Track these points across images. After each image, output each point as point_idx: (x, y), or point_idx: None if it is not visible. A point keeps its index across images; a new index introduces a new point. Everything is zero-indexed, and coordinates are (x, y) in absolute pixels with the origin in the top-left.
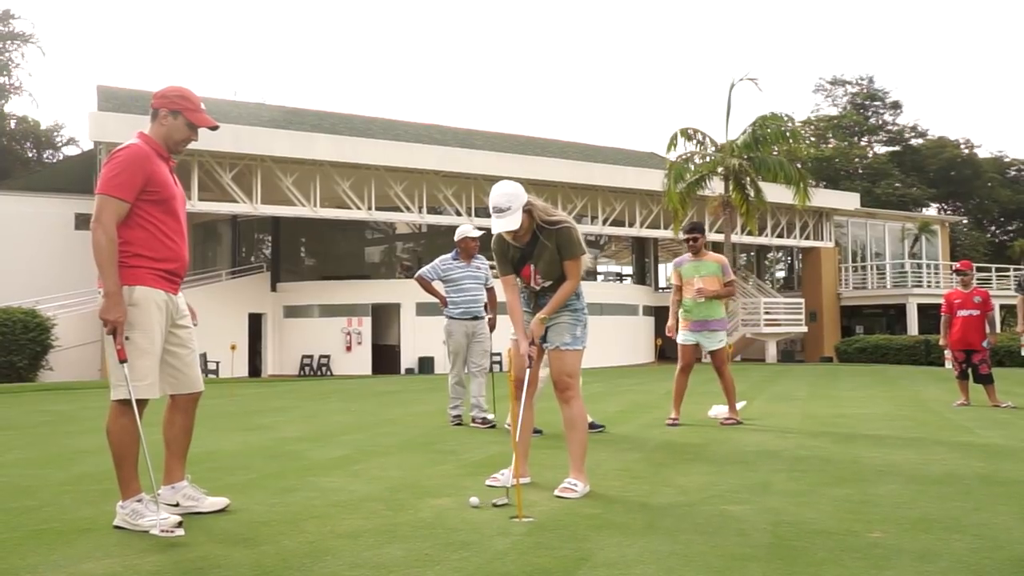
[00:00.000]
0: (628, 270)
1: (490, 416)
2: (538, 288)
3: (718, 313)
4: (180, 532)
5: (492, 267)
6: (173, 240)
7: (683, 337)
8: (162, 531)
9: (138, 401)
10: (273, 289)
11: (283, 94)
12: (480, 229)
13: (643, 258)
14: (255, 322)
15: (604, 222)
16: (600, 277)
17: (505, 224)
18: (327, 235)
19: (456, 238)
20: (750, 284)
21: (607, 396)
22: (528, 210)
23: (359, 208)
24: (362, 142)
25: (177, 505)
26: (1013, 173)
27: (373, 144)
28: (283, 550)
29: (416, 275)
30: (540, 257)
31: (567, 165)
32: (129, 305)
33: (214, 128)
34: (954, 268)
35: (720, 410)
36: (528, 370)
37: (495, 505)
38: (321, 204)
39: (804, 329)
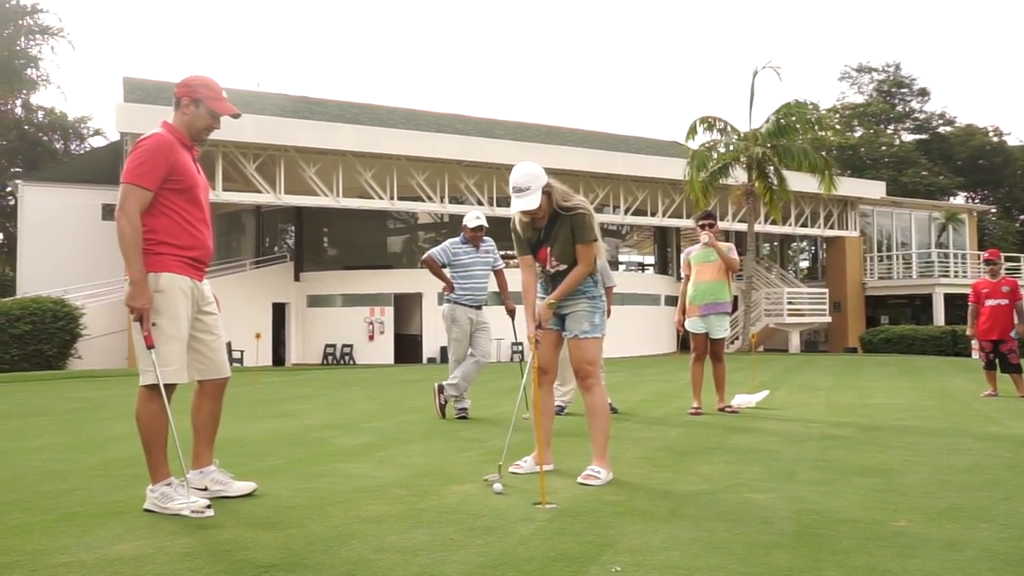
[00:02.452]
0: (650, 260)
1: (468, 405)
2: (552, 271)
3: (724, 295)
4: (210, 513)
5: (504, 254)
6: (197, 228)
7: (693, 326)
8: (192, 512)
9: (166, 386)
10: (296, 279)
11: (305, 84)
12: (479, 217)
13: (665, 247)
14: (279, 311)
15: (626, 211)
16: (622, 267)
17: (523, 204)
18: (350, 225)
19: (466, 223)
20: (773, 274)
21: (630, 385)
22: (547, 192)
23: (381, 198)
24: (384, 132)
25: (205, 489)
26: None
27: (395, 134)
28: (310, 534)
29: (425, 256)
30: (556, 240)
31: (588, 154)
32: (155, 292)
33: (236, 116)
34: (982, 257)
35: (744, 399)
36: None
37: (486, 480)
38: (344, 194)
39: (828, 319)
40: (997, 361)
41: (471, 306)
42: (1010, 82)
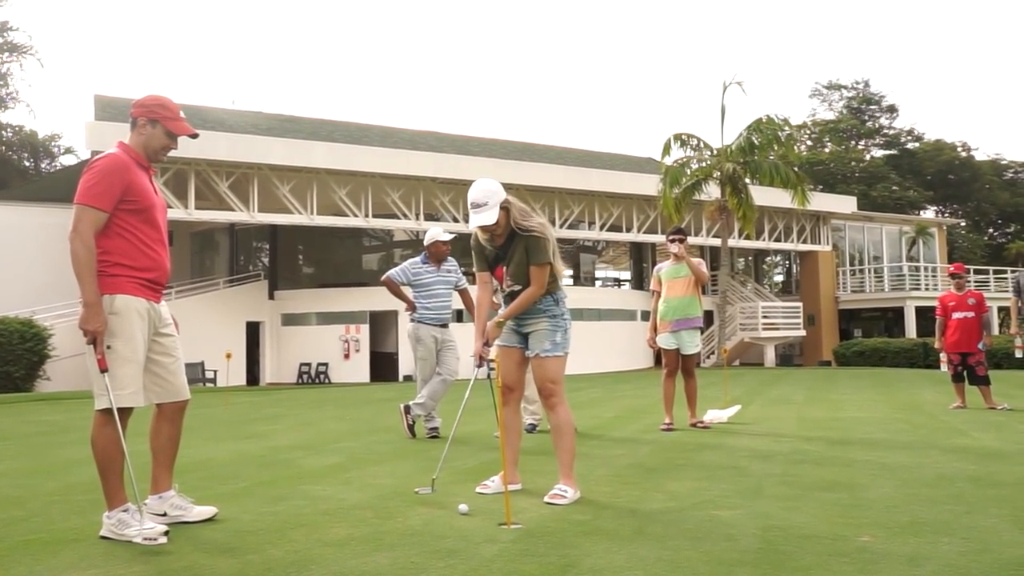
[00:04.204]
0: (626, 275)
1: (439, 423)
2: (506, 291)
3: (696, 311)
4: (163, 540)
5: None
6: (153, 249)
7: (665, 341)
8: (145, 539)
9: (121, 410)
10: (271, 297)
11: (280, 102)
12: (451, 233)
13: (641, 263)
14: (253, 330)
15: (601, 227)
16: (598, 282)
17: (481, 219)
18: (324, 243)
19: (426, 242)
20: (748, 288)
21: (604, 402)
22: (506, 208)
23: (356, 216)
24: (358, 149)
25: (165, 515)
26: (1010, 175)
27: (369, 151)
28: (268, 559)
29: (384, 277)
30: (511, 259)
31: (564, 171)
32: (110, 314)
33: (193, 136)
34: (948, 271)
35: (716, 415)
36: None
37: (417, 492)
38: (318, 212)
39: (802, 333)
40: (965, 373)
41: (435, 325)
42: (977, 98)
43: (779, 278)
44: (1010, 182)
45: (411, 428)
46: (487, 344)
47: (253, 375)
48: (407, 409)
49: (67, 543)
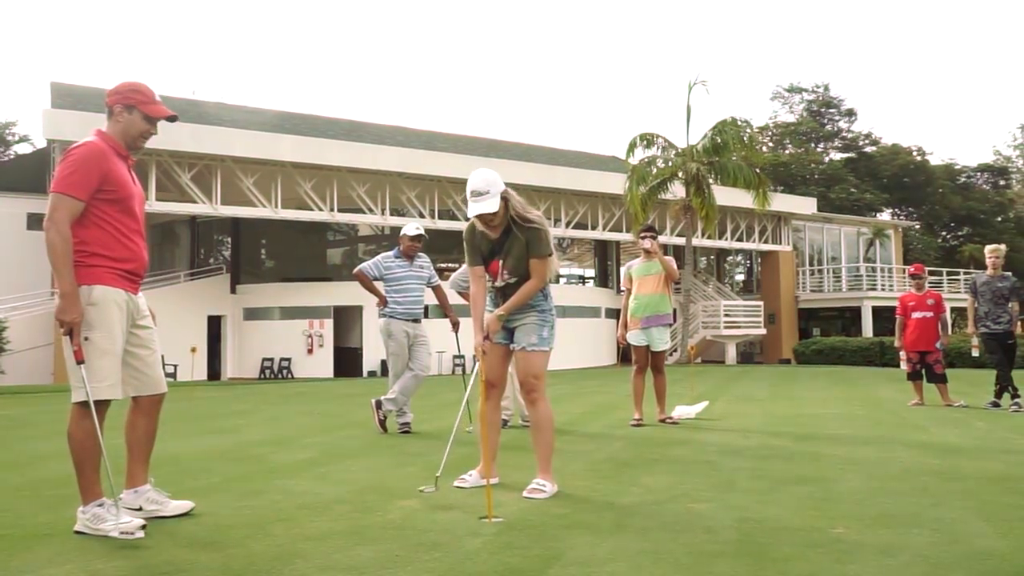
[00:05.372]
0: (590, 272)
1: (411, 419)
2: (502, 284)
3: (666, 308)
4: (140, 534)
5: (447, 268)
6: (132, 240)
7: (635, 338)
8: (122, 533)
9: (98, 403)
10: (233, 291)
11: (242, 93)
12: (418, 228)
13: (605, 260)
14: (214, 324)
15: (567, 225)
16: (563, 280)
17: (482, 207)
18: (288, 237)
19: (401, 235)
20: (710, 287)
21: (572, 397)
22: (505, 199)
23: (321, 210)
24: (324, 143)
25: (140, 509)
26: (963, 180)
27: (336, 145)
28: (251, 553)
29: (356, 270)
30: (510, 252)
31: (531, 168)
32: (88, 304)
33: (172, 119)
34: (908, 272)
35: (684, 411)
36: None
37: (421, 491)
38: (283, 205)
39: (763, 331)
40: (923, 371)
41: (407, 320)
42: (932, 105)
43: (740, 277)
44: (963, 186)
45: (383, 423)
46: (487, 338)
47: (214, 369)
48: (378, 404)
49: (40, 538)
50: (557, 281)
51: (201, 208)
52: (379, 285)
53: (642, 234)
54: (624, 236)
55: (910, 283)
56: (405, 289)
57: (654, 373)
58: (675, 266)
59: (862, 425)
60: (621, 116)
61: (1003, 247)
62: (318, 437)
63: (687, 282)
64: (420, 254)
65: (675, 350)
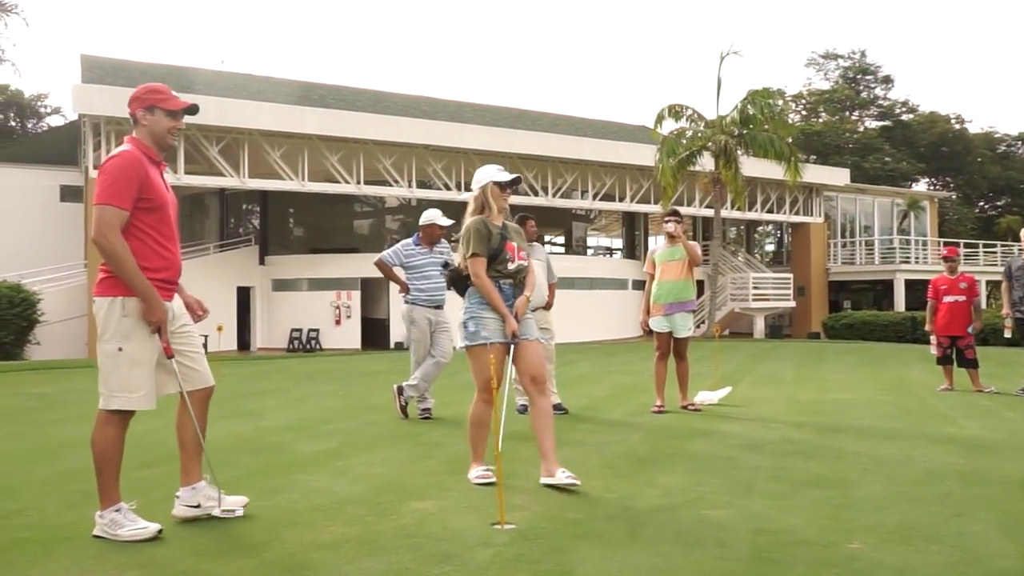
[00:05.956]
0: (618, 243)
1: (431, 404)
2: (515, 267)
3: (689, 294)
4: (155, 537)
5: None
6: (167, 248)
7: (657, 324)
8: (136, 538)
9: (124, 412)
10: (261, 262)
11: (270, 63)
12: (449, 220)
13: (633, 232)
14: (244, 295)
15: (594, 197)
16: (590, 251)
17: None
18: (316, 208)
19: (422, 222)
20: (740, 258)
21: (595, 378)
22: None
23: (348, 182)
24: (350, 115)
25: (198, 506)
26: (1003, 149)
27: (361, 117)
28: (263, 564)
29: (376, 260)
30: (512, 238)
31: (557, 140)
32: (123, 316)
33: (193, 110)
34: (941, 255)
35: (707, 396)
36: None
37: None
38: (309, 178)
39: (792, 304)
40: (954, 356)
41: (429, 307)
42: (972, 71)
43: (770, 247)
44: (1002, 155)
45: (403, 409)
46: (517, 319)
47: (244, 340)
48: (400, 390)
49: (60, 542)
50: (584, 252)
51: (229, 181)
52: (400, 272)
53: (666, 219)
54: (652, 208)
55: (943, 265)
56: (426, 276)
57: (677, 359)
58: (699, 251)
59: (888, 414)
60: (652, 85)
61: None
62: (340, 423)
63: (715, 254)
64: (441, 240)
65: (702, 322)
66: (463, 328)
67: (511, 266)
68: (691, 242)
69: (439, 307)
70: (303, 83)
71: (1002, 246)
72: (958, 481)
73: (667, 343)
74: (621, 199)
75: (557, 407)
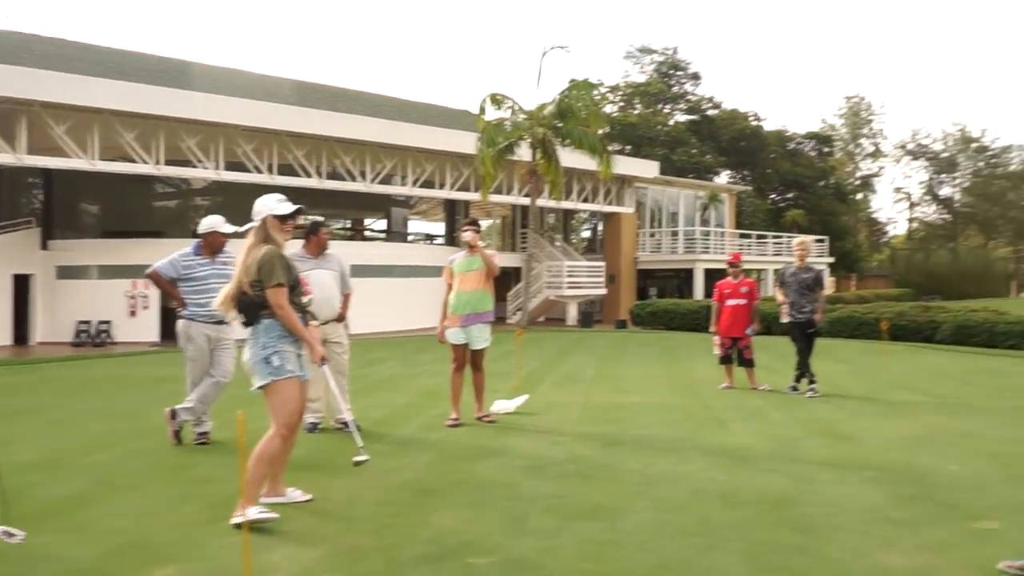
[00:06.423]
0: (440, 230)
1: (209, 428)
2: (307, 300)
3: (487, 305)
4: None
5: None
6: None
7: (454, 336)
8: None
9: None
10: (44, 247)
11: (58, 24)
12: (233, 226)
13: (453, 218)
14: (22, 284)
15: (414, 183)
16: (410, 237)
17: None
18: (111, 188)
19: (201, 230)
20: (557, 246)
21: (399, 381)
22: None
23: (146, 162)
24: (148, 90)
25: None
26: (792, 146)
27: (160, 92)
28: None
29: (149, 271)
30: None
31: (377, 124)
32: None
33: None
34: (727, 261)
35: (503, 405)
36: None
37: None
38: (101, 156)
39: (604, 291)
40: (733, 356)
41: (208, 322)
42: (769, 72)
43: (587, 234)
44: (792, 152)
45: (177, 435)
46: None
47: (21, 334)
48: (173, 414)
49: None
50: (405, 239)
51: (2, 157)
52: (182, 285)
53: (464, 228)
54: (473, 196)
55: (728, 270)
56: (207, 289)
57: (473, 370)
58: (496, 262)
59: (671, 420)
60: (482, 69)
61: (809, 239)
62: (100, 454)
63: (531, 243)
64: (224, 249)
65: (519, 310)
66: (265, 364)
67: (304, 299)
68: (488, 251)
69: (220, 323)
70: (100, 48)
71: (788, 237)
72: (718, 503)
73: (463, 355)
74: (442, 186)
75: (346, 424)
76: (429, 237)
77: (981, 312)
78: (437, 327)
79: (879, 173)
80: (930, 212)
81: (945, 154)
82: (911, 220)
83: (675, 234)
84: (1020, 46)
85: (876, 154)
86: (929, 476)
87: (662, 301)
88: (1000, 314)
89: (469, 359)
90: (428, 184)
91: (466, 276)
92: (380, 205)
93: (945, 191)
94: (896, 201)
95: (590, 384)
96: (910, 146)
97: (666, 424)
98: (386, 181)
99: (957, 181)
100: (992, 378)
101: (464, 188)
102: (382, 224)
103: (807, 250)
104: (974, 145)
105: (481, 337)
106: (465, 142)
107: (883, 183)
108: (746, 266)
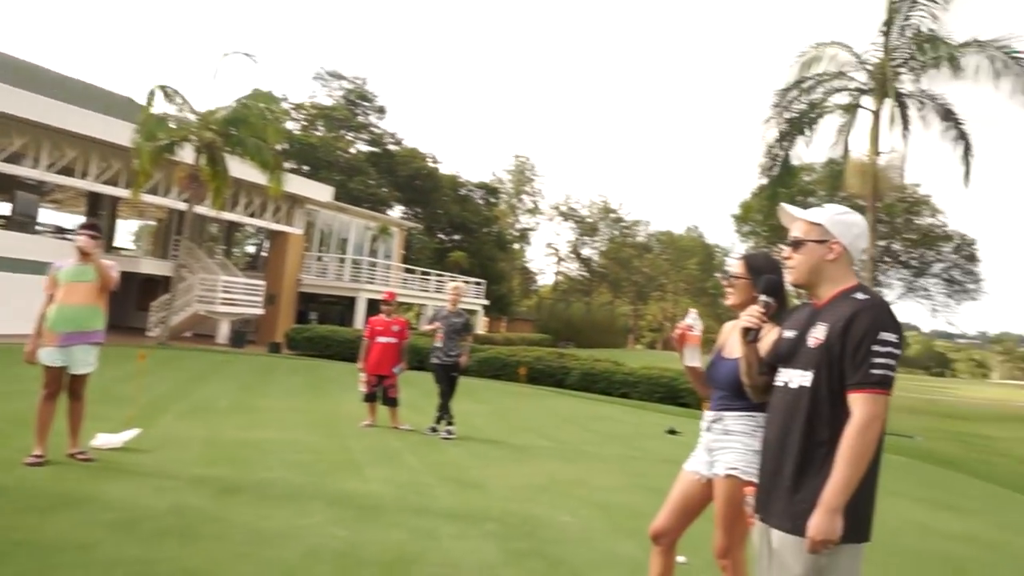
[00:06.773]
0: (79, 221)
1: None
2: None
3: (96, 323)
4: None
5: None
6: None
7: (49, 357)
8: None
9: None
10: None
11: None
12: None
13: (98, 213)
14: None
15: (49, 168)
16: (37, 227)
17: None
18: None
19: None
20: (215, 260)
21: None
22: None
23: None
24: None
25: None
26: (464, 192)
27: None
28: None
29: None
30: None
31: (6, 91)
32: None
33: None
34: (382, 298)
35: (107, 440)
36: None
37: None
38: None
39: (261, 311)
40: (378, 394)
41: None
42: (450, 119)
43: (251, 248)
44: (462, 197)
45: None
46: None
47: None
48: None
49: None
50: (34, 230)
51: None
52: None
53: (80, 230)
54: (123, 192)
55: (382, 307)
56: None
57: (70, 399)
58: (114, 275)
59: (302, 462)
60: (162, 58)
61: (463, 286)
62: None
63: (185, 252)
64: None
65: (163, 321)
66: None
67: None
68: (106, 261)
69: None
70: None
71: (450, 278)
72: (331, 566)
73: (58, 379)
74: (85, 176)
75: None
76: (61, 230)
77: (603, 362)
78: (28, 344)
79: (535, 228)
80: (573, 268)
81: (589, 219)
82: (557, 273)
83: (343, 261)
84: (661, 137)
85: (535, 210)
86: (543, 528)
87: (320, 327)
88: (618, 365)
89: (66, 385)
90: (68, 171)
91: (74, 287)
92: (5, 187)
93: (586, 251)
94: (547, 255)
95: (222, 416)
96: (563, 208)
97: (295, 466)
98: (14, 160)
99: (596, 244)
100: (606, 424)
101: (113, 182)
102: (5, 211)
103: (460, 295)
104: (612, 215)
105: (85, 361)
106: (121, 132)
107: (538, 237)
108: (408, 300)
